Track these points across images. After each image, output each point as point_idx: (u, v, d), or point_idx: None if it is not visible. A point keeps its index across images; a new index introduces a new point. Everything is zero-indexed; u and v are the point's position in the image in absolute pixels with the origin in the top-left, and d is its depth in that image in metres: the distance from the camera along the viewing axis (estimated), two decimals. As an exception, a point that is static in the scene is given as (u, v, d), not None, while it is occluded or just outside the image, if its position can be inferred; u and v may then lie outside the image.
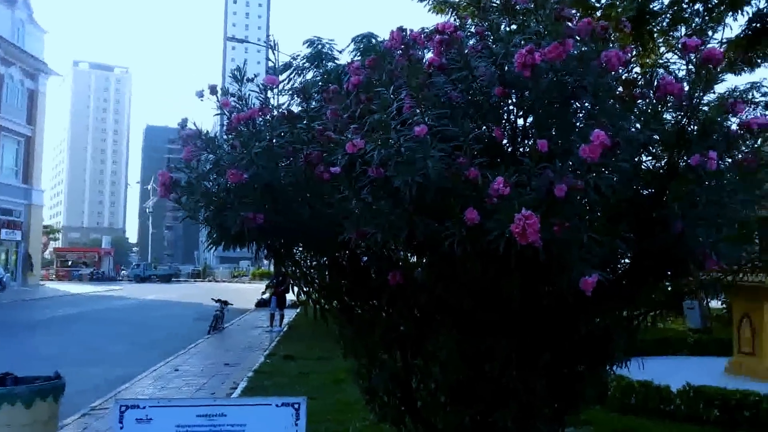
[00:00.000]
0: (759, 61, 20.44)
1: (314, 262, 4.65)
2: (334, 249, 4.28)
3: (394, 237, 3.31)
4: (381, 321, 4.45)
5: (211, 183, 4.09)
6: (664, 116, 3.77)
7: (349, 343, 4.65)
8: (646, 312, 4.49)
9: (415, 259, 4.41)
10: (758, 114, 3.82)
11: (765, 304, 9.59)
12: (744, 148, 3.67)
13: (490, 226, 2.85)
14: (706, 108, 3.78)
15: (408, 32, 3.98)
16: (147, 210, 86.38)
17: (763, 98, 21.58)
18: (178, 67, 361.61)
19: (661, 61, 20.15)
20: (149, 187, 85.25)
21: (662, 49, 20.04)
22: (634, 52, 18.47)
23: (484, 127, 3.64)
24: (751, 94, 21.62)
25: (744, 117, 3.60)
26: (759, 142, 3.64)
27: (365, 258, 4.47)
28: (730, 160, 3.54)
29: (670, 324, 17.98)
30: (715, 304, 19.36)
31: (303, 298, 4.71)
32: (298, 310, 21.43)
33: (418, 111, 3.28)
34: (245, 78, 4.25)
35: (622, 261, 3.84)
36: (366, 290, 4.54)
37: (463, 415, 4.00)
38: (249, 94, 4.30)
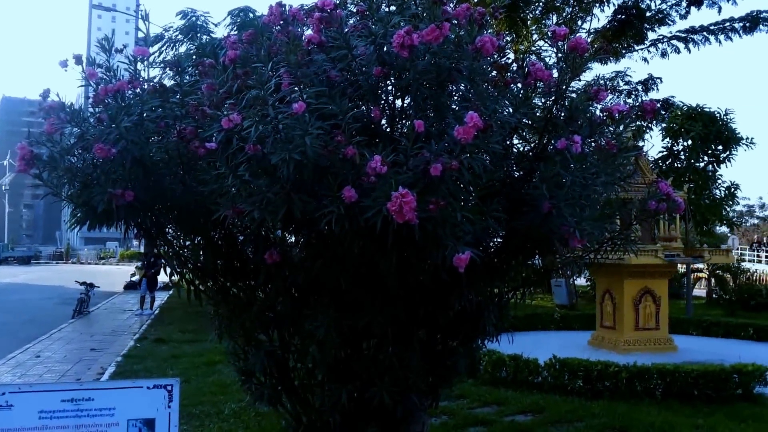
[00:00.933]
0: (624, 51, 21.86)
1: (188, 242, 4.51)
2: (209, 228, 4.16)
3: (272, 215, 3.26)
4: (257, 301, 4.39)
5: (76, 158, 3.86)
6: (534, 101, 3.95)
7: (225, 324, 4.56)
8: (516, 288, 4.72)
9: (293, 238, 4.37)
10: (621, 102, 4.07)
11: (625, 281, 10.32)
12: (607, 134, 3.90)
13: (368, 204, 2.87)
14: (573, 95, 3.99)
15: (287, 8, 3.91)
16: (2, 187, 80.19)
17: (626, 86, 23.14)
18: (39, 35, 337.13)
19: (533, 48, 21.09)
20: (5, 162, 79.36)
21: (534, 36, 20.94)
22: (508, 39, 19.19)
23: (363, 107, 3.66)
24: (616, 82, 23.10)
25: (607, 104, 3.83)
26: (620, 127, 3.89)
27: (241, 237, 4.39)
28: (593, 145, 3.75)
29: (540, 301, 19.03)
30: (581, 281, 20.65)
31: (176, 279, 4.56)
32: (170, 292, 20.75)
33: (296, 88, 3.23)
34: (113, 48, 4.02)
35: (494, 239, 4.00)
36: (242, 270, 4.46)
37: (340, 391, 4.02)
38: (118, 66, 4.08)
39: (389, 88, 3.69)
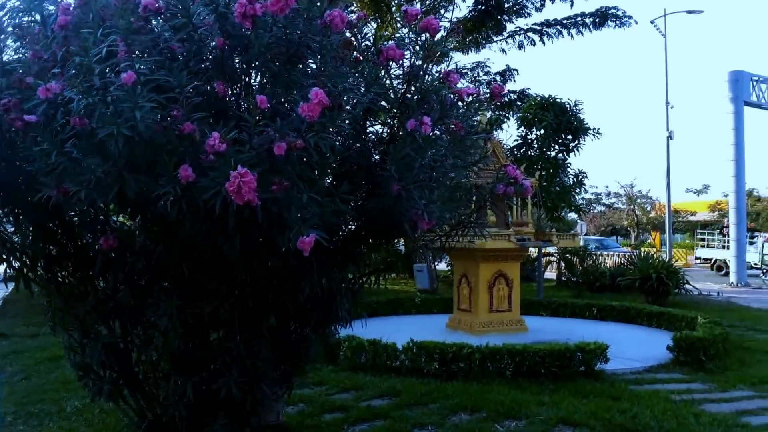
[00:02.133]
0: (483, 42, 22.58)
1: (14, 227, 4.09)
2: (38, 210, 3.77)
3: (102, 196, 2.99)
4: (94, 290, 4.06)
5: None
6: (389, 83, 3.89)
7: (58, 316, 4.19)
8: (374, 273, 4.68)
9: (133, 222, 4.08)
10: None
11: (480, 265, 10.65)
12: (458, 116, 3.91)
13: (206, 184, 2.68)
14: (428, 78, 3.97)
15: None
16: None
17: (486, 77, 23.95)
18: None
19: (397, 36, 21.32)
20: None
21: (399, 24, 21.13)
22: (373, 24, 19.24)
23: (208, 81, 3.44)
24: (476, 72, 23.83)
25: (458, 87, 3.83)
26: (470, 110, 3.92)
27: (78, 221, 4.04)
28: (443, 127, 3.75)
29: (403, 286, 19.37)
30: (442, 266, 21.23)
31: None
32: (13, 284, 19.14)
33: (129, 57, 2.96)
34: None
35: (347, 223, 3.91)
36: (77, 257, 4.11)
37: (185, 384, 3.80)
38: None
39: (236, 62, 3.49)
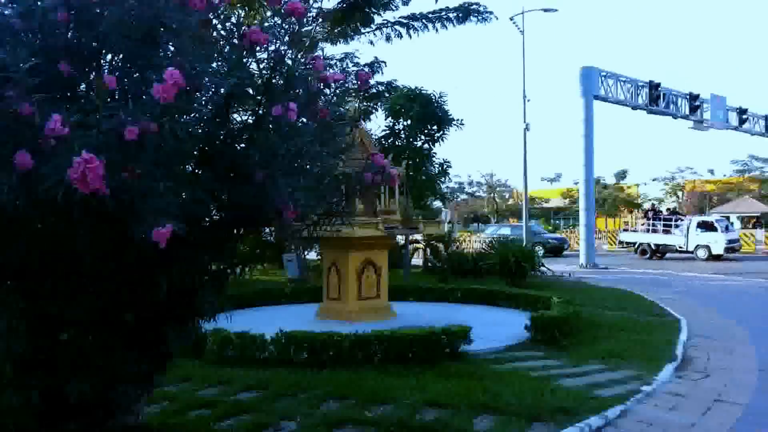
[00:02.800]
0: (352, 34, 22.62)
1: None
2: None
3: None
4: None
5: None
6: (252, 66, 3.75)
7: None
8: (237, 264, 4.51)
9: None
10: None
11: (350, 253, 10.67)
12: (324, 104, 3.84)
13: (46, 171, 2.44)
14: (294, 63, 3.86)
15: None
16: None
17: (355, 68, 24.03)
18: None
19: (266, 24, 20.88)
20: None
21: (268, 13, 20.69)
22: (241, 13, 18.73)
23: (51, 60, 3.14)
24: (345, 62, 23.85)
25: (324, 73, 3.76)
26: (337, 97, 3.86)
27: None
28: (310, 114, 3.66)
29: (273, 276, 19.07)
30: (312, 255, 21.14)
31: None
32: None
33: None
34: None
35: (210, 212, 3.74)
36: None
37: (30, 389, 3.49)
38: None
39: (83, 39, 3.21)
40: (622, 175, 66.22)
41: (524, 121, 27.84)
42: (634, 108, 28.08)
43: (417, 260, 22.57)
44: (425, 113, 16.70)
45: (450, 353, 7.62)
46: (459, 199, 75.62)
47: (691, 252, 28.13)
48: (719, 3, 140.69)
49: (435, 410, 5.73)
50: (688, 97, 30.44)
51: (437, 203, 24.19)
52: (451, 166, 17.53)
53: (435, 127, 17.21)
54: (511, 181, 70.21)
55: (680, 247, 28.53)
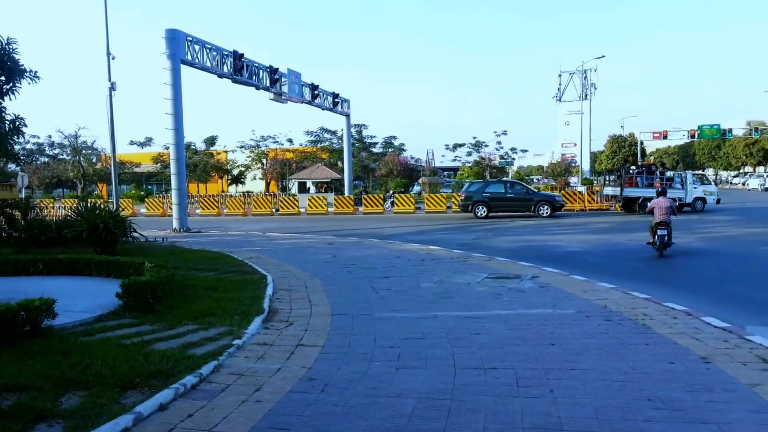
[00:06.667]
0: None
1: None
2: None
3: None
4: None
5: None
6: None
7: None
8: None
9: None
10: None
11: None
12: None
13: None
14: None
15: None
16: None
17: None
18: None
19: None
20: None
21: None
22: None
23: None
24: None
25: None
26: None
27: None
28: None
29: None
30: None
31: None
32: None
33: None
34: None
35: None
36: None
37: None
38: None
39: None
40: (211, 141, 67.56)
41: (109, 80, 26.38)
42: (221, 76, 28.84)
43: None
44: (-8, 62, 14.49)
45: (31, 330, 6.93)
46: (39, 162, 68.12)
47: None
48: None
49: (14, 394, 5.18)
50: (269, 70, 32.49)
51: (12, 166, 21.45)
52: (26, 125, 15.58)
53: (3, 78, 15.07)
54: (99, 143, 65.77)
55: (679, 199, 29.55)
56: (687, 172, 33.26)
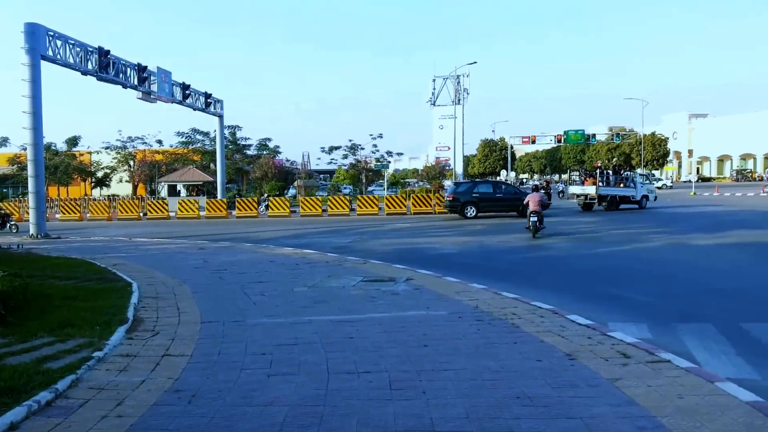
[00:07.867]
0: None
1: None
2: None
3: None
4: None
5: None
6: None
7: None
8: None
9: None
10: None
11: None
12: None
13: None
14: None
15: None
16: None
17: None
18: None
19: None
20: None
21: None
22: None
23: None
24: None
25: None
26: None
27: None
28: None
29: None
30: None
31: None
32: None
33: None
34: None
35: None
36: None
37: None
38: None
39: None
40: (74, 141, 63.63)
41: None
42: (84, 73, 27.36)
43: None
44: None
45: None
46: None
47: None
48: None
49: None
50: (137, 68, 31.16)
51: None
52: None
53: None
54: (-58, 142, 60.07)
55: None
56: (636, 172, 36.93)
